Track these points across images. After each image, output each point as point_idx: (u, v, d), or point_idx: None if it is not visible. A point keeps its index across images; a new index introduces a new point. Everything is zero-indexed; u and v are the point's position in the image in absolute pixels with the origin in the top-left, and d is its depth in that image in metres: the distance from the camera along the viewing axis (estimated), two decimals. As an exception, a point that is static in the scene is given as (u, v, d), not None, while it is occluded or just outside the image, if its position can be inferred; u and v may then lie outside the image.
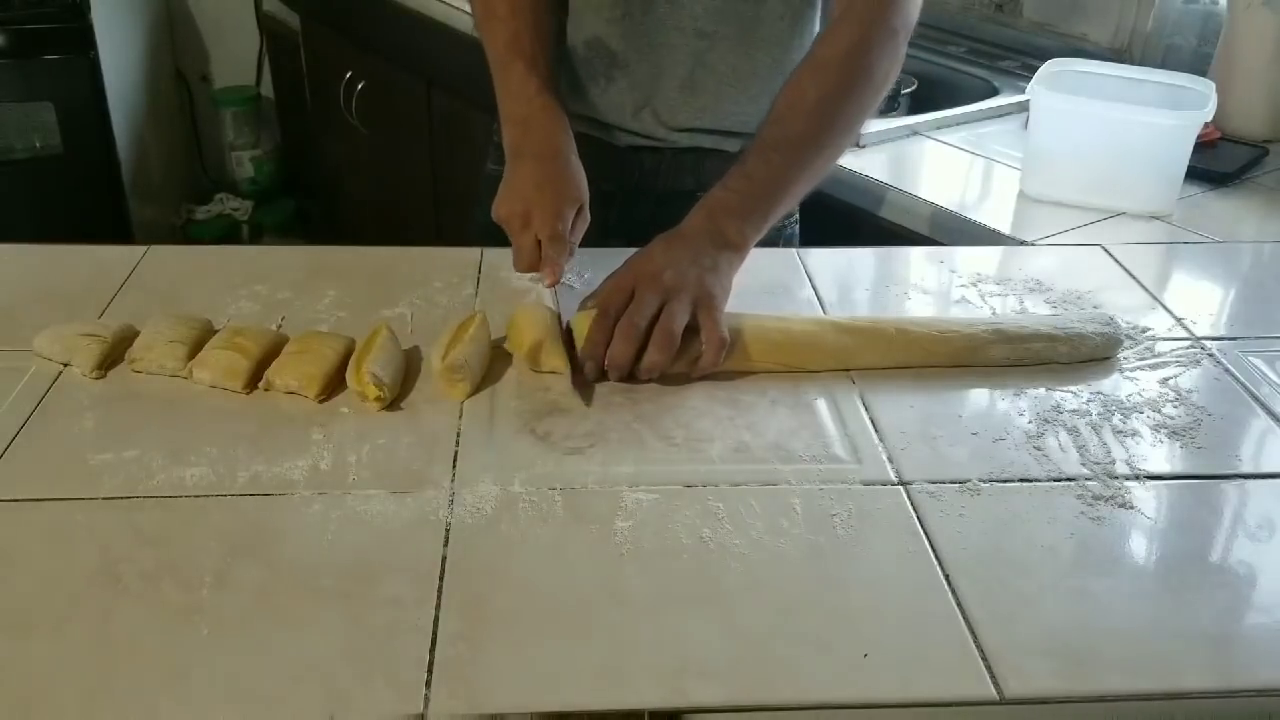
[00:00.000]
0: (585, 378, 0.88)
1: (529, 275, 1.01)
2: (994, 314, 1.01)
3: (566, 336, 0.92)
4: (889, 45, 1.02)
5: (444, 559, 0.70)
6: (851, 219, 1.44)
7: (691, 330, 0.89)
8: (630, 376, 0.88)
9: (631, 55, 1.13)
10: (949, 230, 1.33)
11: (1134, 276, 1.10)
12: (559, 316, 0.94)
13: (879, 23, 1.01)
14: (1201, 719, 0.63)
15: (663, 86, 1.14)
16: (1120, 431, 0.85)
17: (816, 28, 1.15)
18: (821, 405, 0.87)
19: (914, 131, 1.58)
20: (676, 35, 1.11)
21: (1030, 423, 0.86)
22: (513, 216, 1.00)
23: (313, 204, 3.30)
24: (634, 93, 1.15)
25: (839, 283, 1.08)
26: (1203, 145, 1.41)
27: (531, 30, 1.07)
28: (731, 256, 0.95)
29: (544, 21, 1.10)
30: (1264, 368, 0.94)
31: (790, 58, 1.13)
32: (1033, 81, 1.37)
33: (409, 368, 0.89)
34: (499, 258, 1.09)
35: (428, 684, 0.61)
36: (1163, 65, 1.68)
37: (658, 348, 0.87)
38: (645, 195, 1.21)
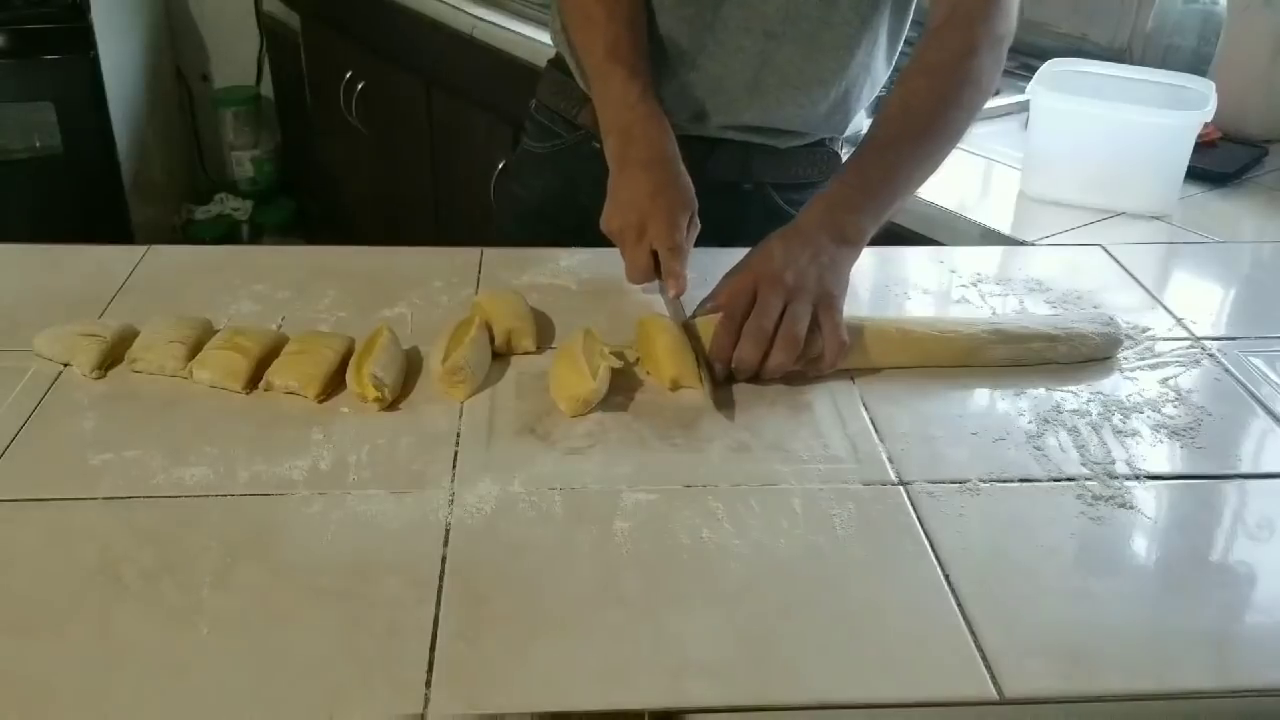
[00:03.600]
0: (717, 385, 0.88)
1: (642, 286, 1.01)
2: (994, 314, 1.01)
3: (694, 344, 0.91)
4: (995, 51, 1.04)
5: (444, 559, 0.70)
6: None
7: (811, 329, 0.89)
8: (754, 377, 0.89)
9: (699, 54, 1.13)
10: (949, 230, 1.33)
11: (1134, 276, 1.10)
12: (683, 329, 0.92)
13: (986, 30, 1.02)
14: (1201, 719, 0.63)
15: (728, 87, 1.14)
16: (1120, 431, 0.85)
17: (884, 34, 1.15)
18: (821, 405, 0.87)
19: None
20: (745, 36, 1.11)
21: (1030, 423, 0.86)
22: (627, 229, 0.99)
23: (313, 204, 3.30)
24: (698, 90, 1.15)
25: (839, 283, 1.08)
26: (1203, 145, 1.41)
27: (630, 36, 1.07)
28: (849, 252, 0.95)
29: (640, 26, 1.09)
30: (1264, 368, 0.94)
31: (855, 61, 1.13)
32: (1033, 81, 1.37)
33: (409, 368, 0.89)
34: (501, 257, 1.09)
35: (428, 684, 0.61)
36: (1163, 65, 1.68)
37: (783, 350, 0.87)
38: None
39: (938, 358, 0.92)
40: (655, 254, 0.99)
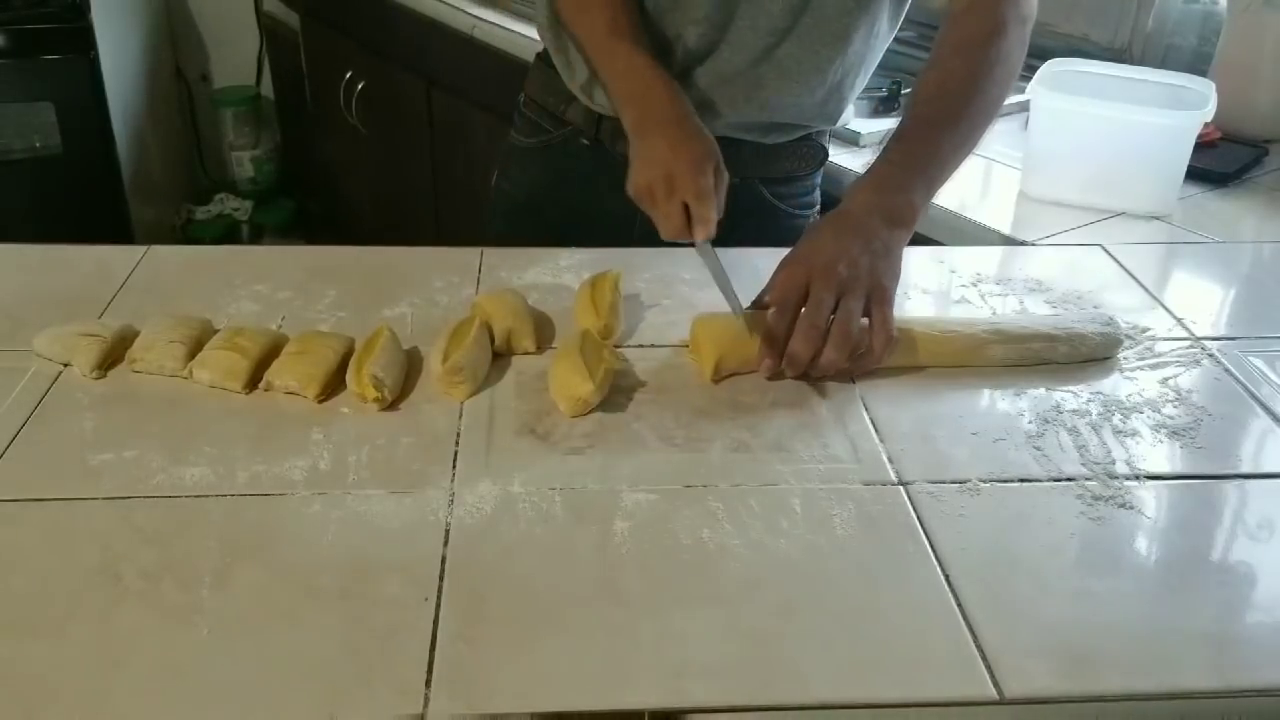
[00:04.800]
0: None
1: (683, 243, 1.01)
2: (994, 314, 1.01)
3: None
4: (1021, 31, 1.06)
5: (444, 559, 0.70)
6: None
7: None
8: (803, 374, 0.89)
9: (708, 54, 1.13)
10: (949, 230, 1.33)
11: (1134, 276, 1.10)
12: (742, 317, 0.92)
13: (1012, 10, 1.04)
14: (1201, 719, 0.63)
15: (729, 81, 1.14)
16: (1120, 431, 0.85)
17: (884, 21, 1.15)
18: (821, 405, 0.87)
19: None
20: (751, 34, 1.11)
21: (1030, 423, 0.86)
22: (655, 184, 0.99)
23: (313, 204, 3.30)
24: (701, 87, 1.15)
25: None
26: (1203, 145, 1.41)
27: (626, 13, 1.09)
28: (902, 234, 0.95)
29: (633, 6, 1.11)
30: (1264, 368, 0.94)
31: (852, 50, 1.14)
32: (1033, 81, 1.37)
33: (409, 368, 0.89)
34: (501, 257, 1.09)
35: (428, 684, 0.61)
36: (1163, 65, 1.68)
37: (835, 347, 0.87)
38: None
39: (938, 358, 0.92)
40: (687, 209, 0.98)
